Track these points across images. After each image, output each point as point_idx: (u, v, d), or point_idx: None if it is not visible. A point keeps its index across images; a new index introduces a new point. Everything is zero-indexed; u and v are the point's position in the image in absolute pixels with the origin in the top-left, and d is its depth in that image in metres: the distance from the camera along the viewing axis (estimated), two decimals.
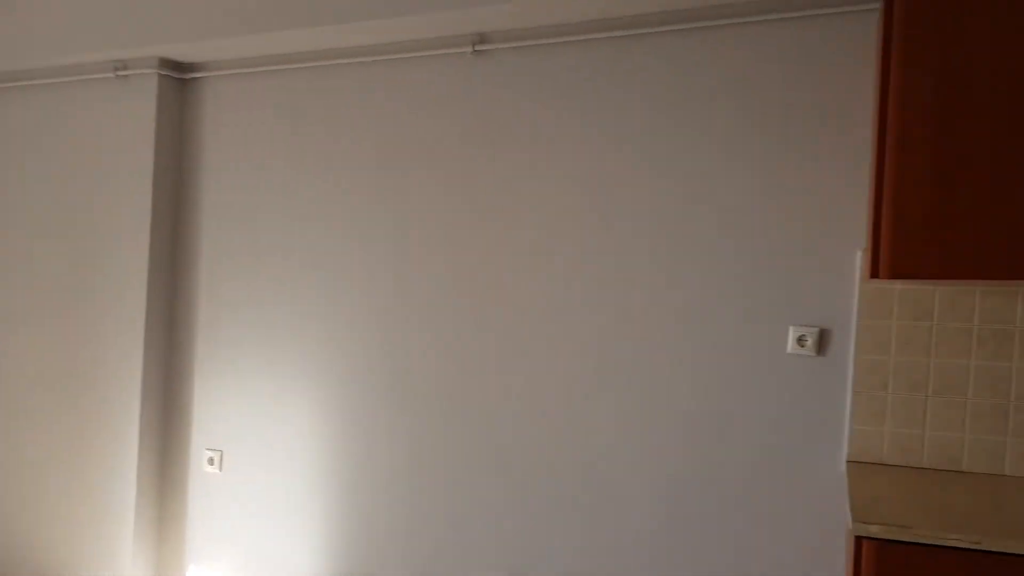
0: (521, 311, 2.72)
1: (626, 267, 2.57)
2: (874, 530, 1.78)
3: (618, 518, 2.59)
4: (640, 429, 2.55)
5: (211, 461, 3.21)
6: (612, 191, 2.59)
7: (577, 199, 2.63)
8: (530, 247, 2.70)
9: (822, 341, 2.33)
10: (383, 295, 2.93)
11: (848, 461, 2.28)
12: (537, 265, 2.69)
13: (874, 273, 1.97)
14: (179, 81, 3.27)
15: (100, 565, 3.31)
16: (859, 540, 1.82)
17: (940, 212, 1.92)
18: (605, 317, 2.60)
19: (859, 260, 2.29)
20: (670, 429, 2.52)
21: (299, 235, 3.07)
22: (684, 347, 2.49)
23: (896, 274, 1.94)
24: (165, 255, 3.28)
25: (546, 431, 2.68)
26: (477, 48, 2.74)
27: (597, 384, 2.61)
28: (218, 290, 3.23)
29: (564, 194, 2.65)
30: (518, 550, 2.73)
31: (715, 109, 2.46)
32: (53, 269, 3.43)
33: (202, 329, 3.25)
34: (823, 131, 2.33)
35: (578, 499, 2.64)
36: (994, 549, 1.68)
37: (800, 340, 2.34)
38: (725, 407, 2.45)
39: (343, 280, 2.99)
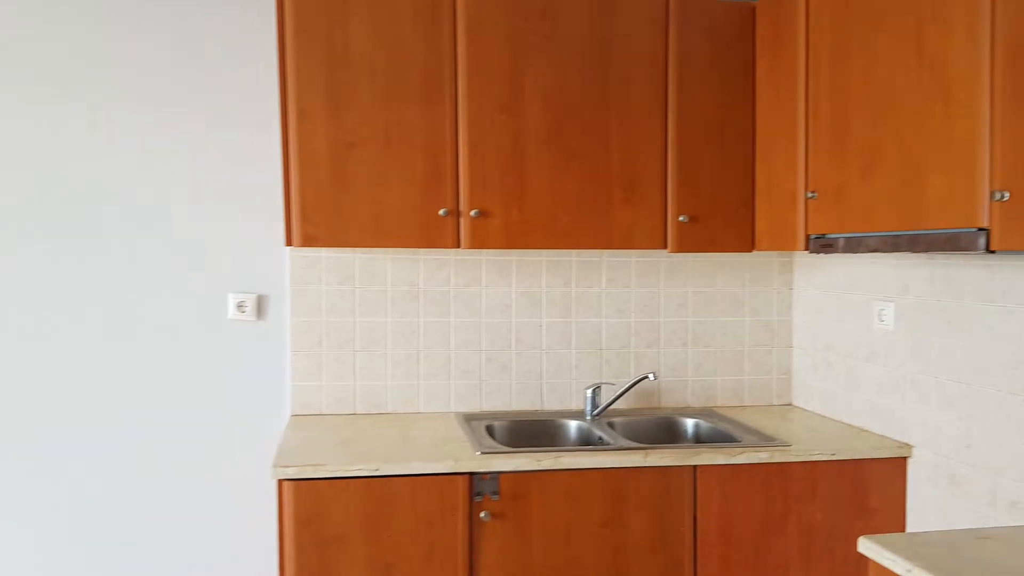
0: None
1: (61, 248, 2.36)
2: (290, 472, 1.96)
3: (71, 514, 2.38)
4: (85, 417, 2.39)
5: None
6: (35, 158, 2.35)
7: None
8: None
9: (261, 306, 2.47)
10: None
11: (293, 415, 2.47)
12: None
13: (288, 241, 2.16)
14: None
15: None
16: (280, 482, 1.98)
17: (335, 184, 2.18)
18: (38, 303, 2.35)
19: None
20: (117, 410, 2.41)
21: None
22: (127, 324, 2.40)
23: (305, 242, 2.16)
24: None
25: None
26: None
27: (30, 377, 2.36)
28: None
29: None
30: None
31: (151, 76, 2.39)
32: None
33: None
34: (257, 104, 2.44)
35: (28, 500, 2.35)
36: (388, 473, 1.99)
37: (240, 306, 2.45)
38: (173, 376, 2.43)
39: None
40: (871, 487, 2.22)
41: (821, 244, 2.16)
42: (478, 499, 2.03)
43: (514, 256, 2.59)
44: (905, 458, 2.23)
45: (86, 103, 2.36)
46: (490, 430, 2.39)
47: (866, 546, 1.55)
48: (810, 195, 2.16)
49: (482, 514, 2.03)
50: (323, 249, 2.45)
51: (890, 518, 2.21)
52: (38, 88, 2.33)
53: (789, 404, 2.76)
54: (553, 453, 2.08)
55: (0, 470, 2.35)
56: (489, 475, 2.03)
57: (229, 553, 2.47)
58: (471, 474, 2.02)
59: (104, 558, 2.41)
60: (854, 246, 2.06)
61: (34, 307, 2.35)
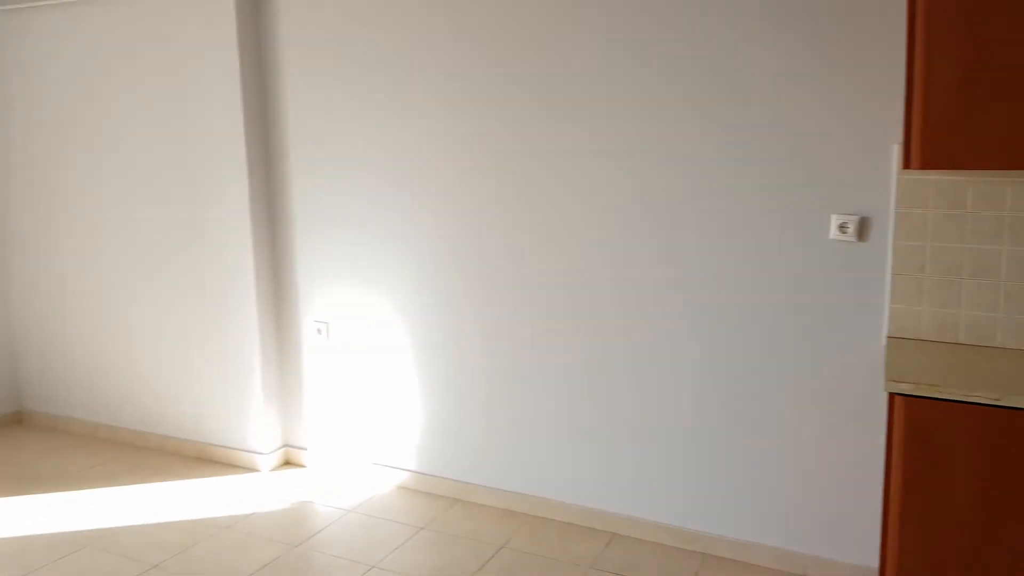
0: (591, 207, 2.97)
1: (676, 165, 2.77)
2: (904, 387, 2.03)
3: (674, 407, 2.90)
4: (695, 318, 2.82)
5: (319, 331, 3.59)
6: (648, 88, 2.76)
7: (615, 94, 2.82)
8: (617, 150, 2.88)
9: (863, 228, 2.54)
10: (471, 169, 3.13)
11: (889, 337, 2.52)
12: (614, 167, 2.91)
13: (907, 164, 2.16)
14: None
15: (235, 421, 3.81)
16: (892, 396, 2.07)
17: (967, 105, 2.08)
18: (662, 213, 2.84)
19: (895, 152, 2.47)
20: (725, 315, 2.78)
21: (384, 114, 3.28)
22: (732, 238, 2.73)
23: (926, 165, 2.13)
24: (258, 145, 3.54)
25: (613, 330, 2.98)
26: None
27: (657, 276, 2.88)
28: (310, 171, 3.48)
29: (602, 95, 2.84)
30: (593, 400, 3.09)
31: (749, 2, 2.60)
32: (161, 167, 3.73)
33: (300, 211, 3.54)
34: (865, 24, 2.46)
35: (634, 388, 2.95)
36: (1011, 405, 1.92)
37: (842, 227, 2.56)
38: (772, 290, 2.69)
39: (433, 151, 3.19)
40: None
41: None
42: None
43: None
44: None
45: (717, 66, 2.70)
46: None
47: None
48: None
49: None
50: (931, 173, 2.39)
51: None
52: (680, 51, 2.75)
53: None
54: None
55: (624, 357, 2.97)
56: None
57: (834, 453, 2.69)
58: None
59: (727, 450, 2.87)
60: None
61: (665, 228, 2.85)
